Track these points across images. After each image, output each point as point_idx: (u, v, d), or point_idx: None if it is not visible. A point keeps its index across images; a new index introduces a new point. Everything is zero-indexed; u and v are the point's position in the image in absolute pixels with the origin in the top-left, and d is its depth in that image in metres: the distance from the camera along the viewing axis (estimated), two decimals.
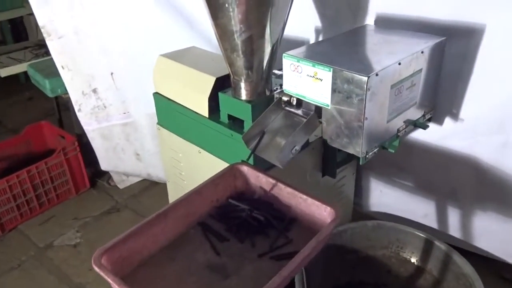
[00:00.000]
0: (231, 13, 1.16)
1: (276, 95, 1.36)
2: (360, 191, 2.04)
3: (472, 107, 1.40)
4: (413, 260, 1.82)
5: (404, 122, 1.32)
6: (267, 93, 1.38)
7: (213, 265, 1.14)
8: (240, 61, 1.27)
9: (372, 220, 1.85)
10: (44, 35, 1.88)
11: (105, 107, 2.10)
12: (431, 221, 1.84)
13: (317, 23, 1.62)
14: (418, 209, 1.83)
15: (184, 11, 1.83)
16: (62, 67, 1.96)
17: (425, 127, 1.39)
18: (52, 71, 2.19)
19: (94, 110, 2.10)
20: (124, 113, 2.12)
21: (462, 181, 1.58)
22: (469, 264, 1.61)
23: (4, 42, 3.81)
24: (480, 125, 1.41)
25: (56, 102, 2.55)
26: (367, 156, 1.22)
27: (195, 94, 1.48)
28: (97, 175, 2.57)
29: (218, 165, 1.48)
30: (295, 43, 1.57)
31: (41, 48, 2.90)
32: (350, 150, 1.22)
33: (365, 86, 1.08)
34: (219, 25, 1.22)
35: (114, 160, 2.29)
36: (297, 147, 1.22)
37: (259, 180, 1.33)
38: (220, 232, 1.23)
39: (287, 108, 1.33)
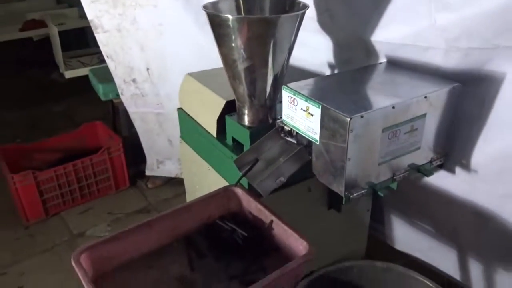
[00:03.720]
0: (233, 43, 1.22)
1: (278, 124, 1.38)
2: (382, 220, 1.98)
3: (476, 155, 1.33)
4: None
5: (403, 166, 1.28)
6: (270, 120, 1.41)
7: (184, 279, 1.19)
8: (242, 88, 1.33)
9: (383, 258, 1.79)
10: (93, 28, 2.11)
11: (142, 95, 2.29)
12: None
13: (330, 55, 1.62)
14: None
15: None
16: (107, 57, 2.19)
17: (428, 174, 1.33)
18: (106, 78, 2.42)
19: (133, 97, 2.30)
20: (158, 104, 2.29)
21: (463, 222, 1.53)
22: None
23: (87, 45, 4.24)
24: (480, 172, 1.34)
25: (112, 105, 2.79)
26: (351, 196, 1.19)
27: (207, 114, 1.56)
28: (138, 175, 2.75)
29: (222, 184, 1.53)
30: (312, 76, 1.59)
31: None
32: (334, 188, 1.21)
33: (348, 127, 1.08)
34: (222, 52, 1.28)
35: (151, 141, 2.48)
36: (283, 178, 1.24)
37: (250, 204, 1.36)
38: (201, 249, 1.29)
39: (287, 138, 1.35)
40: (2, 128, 3.47)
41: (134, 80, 2.27)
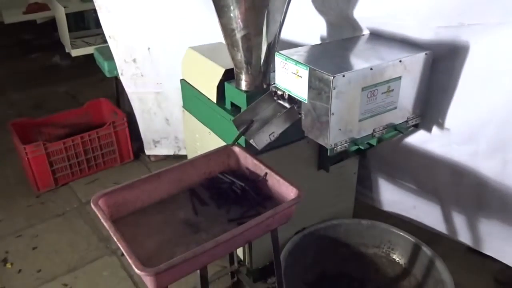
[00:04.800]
0: (231, 14, 1.38)
1: (272, 88, 1.54)
2: (370, 186, 2.15)
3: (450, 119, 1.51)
4: (402, 262, 1.91)
5: (381, 124, 1.44)
6: (264, 86, 1.58)
7: (189, 221, 1.36)
8: (239, 56, 1.49)
9: (369, 219, 1.97)
10: (97, 8, 2.23)
11: (142, 75, 2.42)
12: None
13: (323, 31, 1.78)
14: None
15: None
16: (109, 37, 2.31)
17: (404, 131, 1.50)
18: (111, 56, 2.55)
19: (133, 77, 2.43)
20: (157, 83, 2.43)
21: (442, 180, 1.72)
22: (447, 272, 1.68)
23: (88, 28, 4.36)
24: (454, 135, 1.51)
25: (116, 83, 2.94)
26: (335, 148, 1.36)
27: (208, 82, 1.72)
28: (142, 149, 2.90)
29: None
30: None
31: None
32: (321, 141, 1.37)
33: (331, 84, 1.24)
34: (222, 23, 1.44)
35: (148, 120, 2.62)
36: (275, 134, 1.40)
37: (247, 160, 1.53)
38: (204, 198, 1.46)
39: (279, 101, 1.52)
40: (8, 108, 3.62)
41: (134, 60, 2.39)
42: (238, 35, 1.43)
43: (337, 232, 1.99)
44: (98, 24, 4.27)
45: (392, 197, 2.05)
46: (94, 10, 4.13)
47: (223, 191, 1.46)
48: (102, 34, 3.45)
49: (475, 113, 1.47)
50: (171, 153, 2.79)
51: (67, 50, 3.36)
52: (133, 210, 1.40)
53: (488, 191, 1.56)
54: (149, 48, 2.35)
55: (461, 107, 1.50)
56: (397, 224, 1.93)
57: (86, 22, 4.51)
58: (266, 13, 1.39)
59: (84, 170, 2.68)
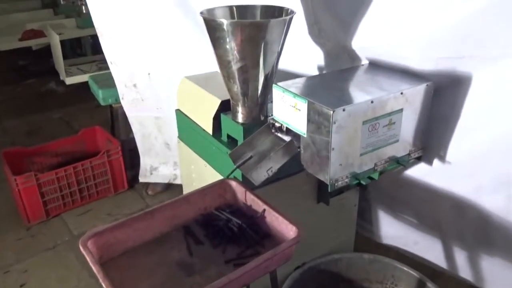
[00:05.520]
0: (227, 45, 1.34)
1: (269, 120, 1.50)
2: (370, 219, 2.08)
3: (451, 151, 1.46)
4: None
5: (383, 157, 1.39)
6: (262, 118, 1.53)
7: (183, 263, 1.29)
8: (236, 88, 1.44)
9: (370, 253, 1.90)
10: (98, 34, 2.23)
11: (142, 100, 2.40)
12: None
13: (321, 61, 1.75)
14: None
15: None
16: (111, 62, 2.31)
17: (406, 164, 1.45)
18: (106, 84, 2.53)
19: (133, 101, 2.41)
20: (157, 108, 2.41)
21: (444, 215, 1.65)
22: None
23: (84, 54, 4.35)
24: (456, 168, 1.46)
25: (111, 111, 2.90)
26: (336, 184, 1.30)
27: (203, 113, 1.67)
28: (137, 178, 2.83)
29: (219, 179, 1.64)
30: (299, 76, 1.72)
31: (106, 62, 3.31)
32: (321, 177, 1.32)
33: (331, 119, 1.19)
34: (217, 54, 1.40)
35: (148, 145, 2.57)
36: (273, 169, 1.35)
37: (244, 195, 1.46)
38: (198, 237, 1.38)
39: (277, 134, 1.47)
40: (1, 135, 3.57)
41: (135, 85, 2.37)
42: (235, 67, 1.39)
43: (339, 267, 1.91)
44: (94, 50, 4.32)
45: (393, 231, 1.98)
46: (91, 36, 4.20)
47: (219, 229, 1.39)
48: (97, 61, 3.45)
49: (477, 146, 1.42)
50: (166, 181, 2.73)
51: (61, 78, 3.33)
52: (124, 250, 1.32)
53: (492, 228, 1.49)
54: (149, 74, 2.33)
55: (463, 140, 1.45)
56: (398, 258, 1.86)
57: (84, 49, 4.52)
58: (263, 44, 1.35)
59: (77, 201, 2.60)
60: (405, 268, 1.82)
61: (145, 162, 2.68)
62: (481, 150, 1.41)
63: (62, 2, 4.72)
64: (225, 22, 1.31)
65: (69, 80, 3.12)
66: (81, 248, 1.21)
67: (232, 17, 1.47)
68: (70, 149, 2.82)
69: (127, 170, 2.77)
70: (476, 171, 1.45)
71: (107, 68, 2.40)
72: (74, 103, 4.07)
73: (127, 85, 2.38)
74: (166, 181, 2.73)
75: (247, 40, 1.32)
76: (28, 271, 2.16)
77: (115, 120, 2.86)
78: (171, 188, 2.78)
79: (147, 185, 2.80)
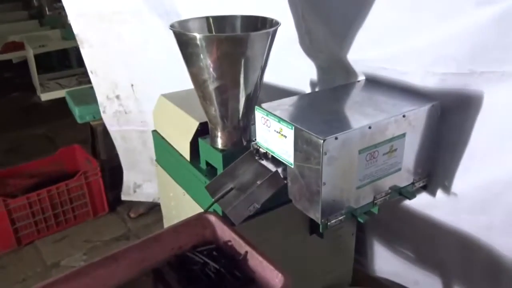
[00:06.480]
0: (201, 63, 1.16)
1: (253, 146, 1.31)
2: (365, 252, 1.89)
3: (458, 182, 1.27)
4: None
5: (384, 189, 1.21)
6: (244, 142, 1.34)
7: None
8: (213, 110, 1.26)
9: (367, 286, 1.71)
10: (78, 42, 2.07)
11: (125, 112, 2.23)
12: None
13: (313, 75, 1.57)
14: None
15: None
16: (91, 72, 2.14)
17: (411, 196, 1.26)
18: (83, 100, 2.35)
19: (116, 114, 2.24)
20: (141, 121, 2.23)
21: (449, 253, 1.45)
22: None
23: (70, 67, 4.18)
24: (464, 202, 1.28)
25: (91, 129, 2.71)
26: (328, 223, 1.12)
27: (180, 137, 1.49)
28: (119, 200, 2.64)
29: (198, 210, 1.44)
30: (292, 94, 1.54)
31: (87, 76, 3.13)
32: (311, 215, 1.13)
33: (321, 149, 1.01)
34: (191, 73, 1.22)
35: (132, 161, 2.40)
36: (256, 205, 1.16)
37: (224, 233, 1.27)
38: (170, 283, 1.19)
39: (261, 161, 1.28)
40: None
41: (118, 97, 2.21)
42: (211, 86, 1.21)
43: None
44: (79, 63, 4.14)
45: (391, 268, 1.76)
46: (76, 48, 4.02)
47: (194, 274, 1.20)
48: (78, 74, 3.27)
49: (489, 177, 1.22)
50: (150, 199, 2.54)
51: (38, 93, 3.14)
52: None
53: (504, 272, 1.29)
54: (132, 85, 2.16)
55: (472, 169, 1.25)
56: None
57: (69, 61, 4.35)
58: (243, 60, 1.17)
59: (52, 227, 2.40)
60: None
61: (128, 179, 2.49)
62: (492, 182, 1.21)
63: (48, 13, 4.55)
64: (197, 36, 1.13)
65: (45, 96, 2.93)
66: None
67: (209, 30, 1.30)
68: (48, 169, 2.62)
69: (107, 192, 2.57)
70: (486, 206, 1.25)
71: (89, 81, 2.23)
72: (59, 118, 3.86)
73: (109, 96, 2.21)
74: (150, 200, 2.54)
75: (224, 56, 1.15)
76: None
77: (96, 137, 2.67)
78: (155, 209, 2.58)
79: (129, 207, 2.61)
